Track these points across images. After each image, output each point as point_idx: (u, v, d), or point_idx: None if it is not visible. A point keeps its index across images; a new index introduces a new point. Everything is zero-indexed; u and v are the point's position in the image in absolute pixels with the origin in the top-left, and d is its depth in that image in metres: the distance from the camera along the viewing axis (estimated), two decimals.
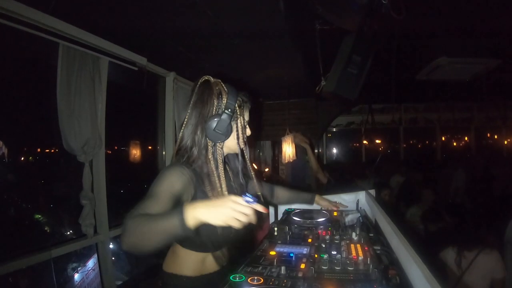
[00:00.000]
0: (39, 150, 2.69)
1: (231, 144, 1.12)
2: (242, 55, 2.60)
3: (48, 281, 1.94)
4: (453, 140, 6.87)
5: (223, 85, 1.10)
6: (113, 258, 2.44)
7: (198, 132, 1.05)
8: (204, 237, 1.04)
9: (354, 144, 6.82)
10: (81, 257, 2.40)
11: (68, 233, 2.42)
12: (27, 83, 2.14)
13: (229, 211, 0.78)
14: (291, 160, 4.21)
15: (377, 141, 6.65)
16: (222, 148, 1.08)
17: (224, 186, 1.05)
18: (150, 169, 3.34)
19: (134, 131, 3.33)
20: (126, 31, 1.96)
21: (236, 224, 0.79)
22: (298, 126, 4.66)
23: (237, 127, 1.10)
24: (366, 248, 0.98)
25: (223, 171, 1.07)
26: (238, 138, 1.11)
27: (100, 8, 1.70)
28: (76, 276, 2.36)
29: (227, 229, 0.91)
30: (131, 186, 3.63)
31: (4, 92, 1.92)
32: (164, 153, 3.03)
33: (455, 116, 6.29)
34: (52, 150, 2.60)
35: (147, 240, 0.80)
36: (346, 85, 1.96)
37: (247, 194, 0.85)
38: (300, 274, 0.81)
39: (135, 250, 0.81)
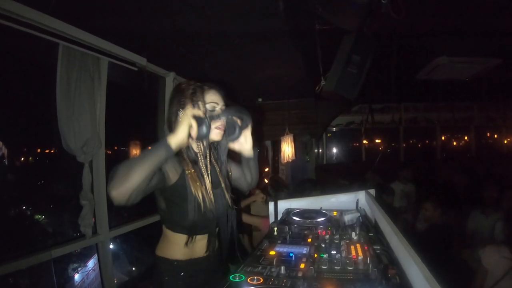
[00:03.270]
0: (39, 150, 2.69)
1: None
2: (242, 55, 2.60)
3: (48, 281, 1.94)
4: (453, 140, 6.88)
5: (189, 82, 1.21)
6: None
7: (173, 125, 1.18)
8: (181, 218, 1.13)
9: (354, 144, 6.82)
10: (82, 258, 2.40)
11: (68, 233, 2.42)
12: (27, 83, 2.14)
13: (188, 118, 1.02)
14: (290, 160, 4.22)
15: (377, 141, 6.65)
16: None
17: (206, 177, 1.15)
18: None
19: (134, 131, 3.33)
20: (126, 31, 1.96)
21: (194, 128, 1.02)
22: (298, 126, 4.66)
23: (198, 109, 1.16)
24: (365, 247, 0.98)
25: (202, 161, 1.15)
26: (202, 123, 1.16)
27: (100, 8, 1.70)
28: (77, 277, 2.37)
29: (199, 211, 1.11)
30: None
31: (4, 92, 1.93)
32: None
33: (455, 115, 6.29)
34: (52, 151, 2.60)
35: (133, 172, 0.92)
36: (346, 85, 1.97)
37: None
38: (300, 274, 0.81)
39: (122, 189, 0.91)
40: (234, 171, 1.38)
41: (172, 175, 1.10)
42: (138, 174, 0.91)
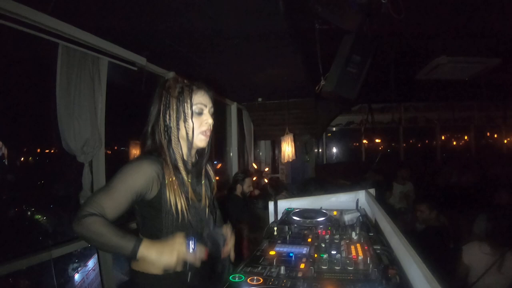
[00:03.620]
0: (38, 150, 2.69)
1: (189, 132, 1.07)
2: (242, 55, 2.60)
3: (48, 281, 1.94)
4: (453, 140, 6.88)
5: (175, 78, 1.13)
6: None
7: (156, 126, 1.10)
8: (158, 230, 1.05)
9: (354, 144, 6.82)
10: (82, 257, 2.40)
11: (68, 233, 2.42)
12: (27, 83, 2.14)
13: (174, 259, 0.92)
14: (290, 160, 4.22)
15: (377, 141, 6.65)
16: (176, 138, 1.07)
17: (185, 185, 1.07)
18: None
19: (134, 131, 3.32)
20: (125, 31, 1.96)
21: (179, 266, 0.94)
22: (298, 125, 4.66)
23: (184, 112, 1.07)
24: (366, 247, 0.97)
25: (182, 167, 1.07)
26: (184, 122, 1.07)
27: (100, 8, 1.70)
28: (77, 276, 2.36)
29: (177, 224, 1.04)
30: None
31: (4, 92, 1.92)
32: None
33: (455, 115, 6.30)
34: (52, 150, 2.60)
35: (97, 244, 0.94)
36: (346, 85, 1.97)
37: (192, 240, 0.96)
38: (299, 274, 0.81)
39: (83, 239, 0.93)
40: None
41: (154, 188, 1.02)
42: (96, 246, 0.95)
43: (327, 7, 1.77)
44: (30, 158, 2.67)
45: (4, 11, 1.47)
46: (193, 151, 1.16)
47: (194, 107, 1.08)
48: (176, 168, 1.06)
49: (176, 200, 1.03)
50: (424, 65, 3.10)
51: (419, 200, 2.83)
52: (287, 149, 4.16)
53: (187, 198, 1.07)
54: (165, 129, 1.08)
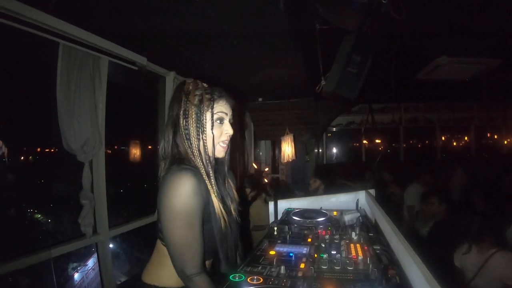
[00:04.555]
0: (39, 150, 2.69)
1: (208, 144, 1.02)
2: (242, 55, 2.60)
3: (48, 280, 1.94)
4: (453, 140, 6.88)
5: (196, 83, 1.05)
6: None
7: (177, 133, 1.03)
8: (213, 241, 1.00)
9: (354, 144, 6.83)
10: (81, 257, 2.40)
11: (68, 232, 2.42)
12: (27, 83, 2.14)
13: None
14: (290, 160, 4.22)
15: (377, 141, 6.65)
16: (198, 148, 1.01)
17: (214, 191, 1.01)
18: (150, 169, 3.35)
19: (134, 131, 3.33)
20: (126, 30, 1.96)
21: None
22: (298, 125, 4.66)
23: (203, 122, 1.01)
24: (365, 247, 0.98)
25: (211, 175, 1.01)
26: (202, 133, 1.01)
27: (100, 7, 1.70)
28: (76, 276, 2.37)
29: (225, 235, 1.00)
30: (131, 186, 3.63)
31: (4, 92, 1.92)
32: None
33: (455, 115, 6.30)
34: (52, 150, 2.60)
35: None
36: (346, 85, 1.96)
37: None
38: (299, 274, 0.81)
39: None
40: None
41: (207, 198, 0.99)
42: None
43: (328, 7, 1.76)
44: (30, 157, 2.68)
45: (5, 10, 1.47)
46: (212, 160, 1.09)
47: (214, 116, 1.02)
48: (208, 176, 1.00)
49: (219, 207, 1.00)
50: (425, 65, 3.09)
51: (429, 194, 2.80)
52: (287, 149, 4.17)
53: (224, 205, 1.03)
54: (187, 137, 1.02)
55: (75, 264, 2.39)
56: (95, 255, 2.29)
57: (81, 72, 1.93)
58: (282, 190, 3.62)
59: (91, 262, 2.39)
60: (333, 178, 4.31)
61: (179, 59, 2.59)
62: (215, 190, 1.00)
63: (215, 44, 2.33)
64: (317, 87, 2.30)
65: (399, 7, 1.55)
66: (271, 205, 1.67)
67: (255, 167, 4.95)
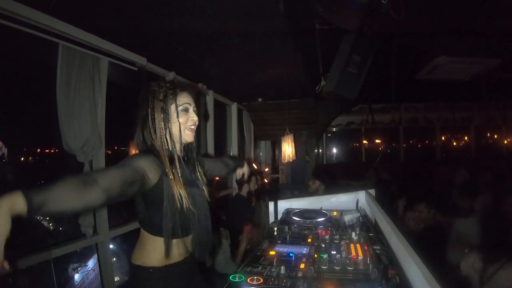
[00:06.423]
0: (39, 150, 2.69)
1: (174, 131, 1.17)
2: (242, 55, 2.60)
3: (48, 281, 1.94)
4: (453, 140, 6.88)
5: (159, 83, 1.20)
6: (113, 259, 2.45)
7: (145, 128, 1.18)
8: (161, 219, 1.10)
9: (354, 144, 6.83)
10: (81, 257, 2.40)
11: (68, 233, 2.42)
12: (27, 83, 2.14)
13: None
14: (290, 160, 4.22)
15: (377, 141, 6.65)
16: (165, 137, 1.15)
17: (179, 176, 1.13)
18: None
19: (134, 131, 3.32)
20: (126, 31, 1.96)
21: None
22: (298, 126, 4.66)
23: (169, 113, 1.16)
24: (365, 248, 0.98)
25: (176, 158, 1.14)
26: (168, 123, 1.16)
27: (100, 8, 1.70)
28: (76, 276, 2.36)
29: (180, 211, 1.10)
30: None
31: (4, 92, 1.92)
32: None
33: (455, 115, 6.30)
34: (52, 150, 2.60)
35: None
36: (346, 85, 1.96)
37: None
38: (299, 274, 0.81)
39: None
40: (212, 166, 1.51)
41: (153, 177, 1.08)
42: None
43: (327, 7, 1.77)
44: (30, 158, 2.67)
45: (4, 10, 1.47)
46: (180, 146, 1.24)
47: (180, 107, 1.18)
48: (171, 161, 1.14)
49: (174, 191, 1.10)
50: (425, 65, 3.09)
51: (417, 200, 2.78)
52: (287, 149, 4.16)
53: (184, 186, 1.14)
54: (155, 130, 1.15)
55: (75, 265, 2.39)
56: (96, 255, 2.29)
57: (81, 72, 1.93)
58: (272, 192, 3.63)
59: (91, 263, 2.39)
60: (335, 179, 4.31)
61: (179, 59, 2.59)
62: (175, 173, 1.12)
63: (215, 44, 2.33)
64: (317, 87, 2.30)
65: (399, 7, 1.55)
66: (271, 205, 1.67)
67: (255, 167, 4.95)
